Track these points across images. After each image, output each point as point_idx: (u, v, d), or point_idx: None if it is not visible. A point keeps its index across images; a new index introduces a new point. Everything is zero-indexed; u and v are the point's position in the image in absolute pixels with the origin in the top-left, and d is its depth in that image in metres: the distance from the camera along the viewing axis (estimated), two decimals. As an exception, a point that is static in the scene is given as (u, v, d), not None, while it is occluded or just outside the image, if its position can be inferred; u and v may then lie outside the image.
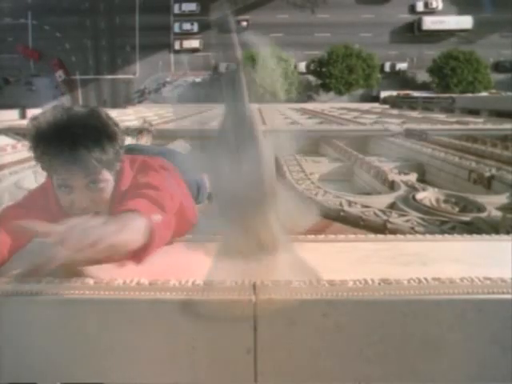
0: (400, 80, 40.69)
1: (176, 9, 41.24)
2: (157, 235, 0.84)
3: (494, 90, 34.16)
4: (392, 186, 4.79)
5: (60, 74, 40.48)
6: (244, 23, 40.97)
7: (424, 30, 40.54)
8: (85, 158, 0.94)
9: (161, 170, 1.15)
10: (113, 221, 0.78)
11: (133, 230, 0.79)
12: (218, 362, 0.74)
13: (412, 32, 40.81)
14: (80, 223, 0.74)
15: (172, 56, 41.80)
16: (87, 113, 0.99)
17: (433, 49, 39.60)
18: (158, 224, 0.85)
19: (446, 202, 4.15)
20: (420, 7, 41.04)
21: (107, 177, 1.02)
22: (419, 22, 40.57)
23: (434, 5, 40.81)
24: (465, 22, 40.25)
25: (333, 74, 38.64)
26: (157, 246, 0.84)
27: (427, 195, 4.26)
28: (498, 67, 40.00)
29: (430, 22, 40.40)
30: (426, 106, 22.84)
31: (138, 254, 0.81)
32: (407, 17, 40.94)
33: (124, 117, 15.54)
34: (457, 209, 3.97)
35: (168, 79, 41.78)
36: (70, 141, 0.93)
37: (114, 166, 1.04)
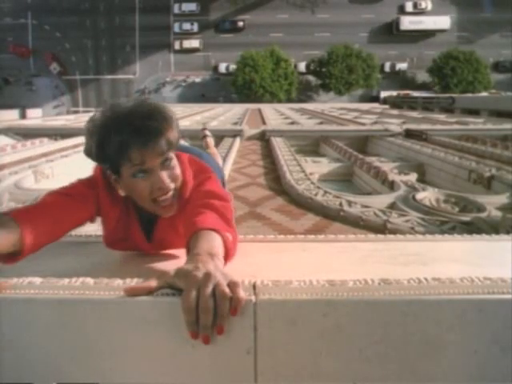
0: (400, 80, 40.73)
1: (176, 9, 41.26)
2: (230, 255, 0.93)
3: (493, 90, 34.17)
4: (392, 186, 4.79)
5: (54, 67, 40.50)
6: (240, 23, 41.02)
7: (402, 30, 40.66)
8: (159, 136, 0.97)
9: (212, 174, 1.19)
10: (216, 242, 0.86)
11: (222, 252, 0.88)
12: (217, 362, 0.74)
13: (391, 32, 40.91)
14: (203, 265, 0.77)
15: (172, 56, 41.81)
16: (145, 101, 1.03)
17: (413, 48, 39.61)
18: (230, 243, 0.92)
19: (446, 201, 4.15)
20: (409, 8, 41.14)
21: (174, 156, 1.05)
22: (397, 23, 40.68)
23: (423, 5, 40.92)
24: (443, 22, 40.49)
25: (333, 74, 38.66)
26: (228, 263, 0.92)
27: (427, 195, 4.27)
28: (498, 67, 40.03)
29: (407, 22, 40.57)
30: (426, 105, 22.86)
31: None
32: (395, 17, 40.93)
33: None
34: (457, 209, 3.97)
35: (168, 79, 41.80)
36: (141, 124, 0.96)
37: (176, 145, 1.06)
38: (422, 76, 40.39)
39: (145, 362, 0.74)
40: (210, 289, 0.71)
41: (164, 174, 1.01)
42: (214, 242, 0.88)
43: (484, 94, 30.16)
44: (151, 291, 0.76)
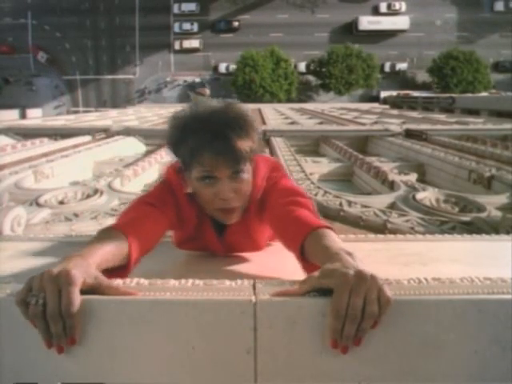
0: (400, 80, 40.71)
1: (175, 9, 41.22)
2: None
3: (493, 90, 34.16)
4: (392, 186, 4.79)
5: (42, 55, 40.40)
6: (236, 23, 41.01)
7: (361, 30, 40.63)
8: (235, 147, 0.95)
9: (285, 172, 1.20)
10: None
11: None
12: (217, 362, 0.74)
13: (351, 32, 40.89)
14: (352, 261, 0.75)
15: (172, 56, 41.80)
16: (229, 105, 1.01)
17: (371, 49, 39.42)
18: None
19: (446, 201, 4.15)
20: (383, 8, 41.12)
21: (249, 167, 1.03)
22: (356, 22, 40.66)
23: (397, 6, 40.89)
24: (401, 22, 40.47)
25: (333, 74, 38.63)
26: None
27: (427, 195, 4.27)
28: (498, 67, 40.01)
29: (366, 22, 40.52)
30: (426, 105, 22.85)
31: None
32: (372, 19, 40.91)
33: (124, 117, 15.55)
34: (457, 209, 3.97)
35: (168, 79, 41.78)
36: (220, 131, 0.94)
37: (253, 158, 1.05)
38: (422, 76, 40.36)
39: (145, 362, 0.74)
40: (361, 295, 0.69)
41: (230, 186, 1.00)
42: (339, 241, 0.87)
43: (484, 94, 30.14)
44: (299, 295, 0.76)
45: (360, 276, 0.71)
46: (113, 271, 0.88)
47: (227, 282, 0.81)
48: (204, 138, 0.95)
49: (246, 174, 1.02)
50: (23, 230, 3.18)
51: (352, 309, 0.69)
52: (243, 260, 1.19)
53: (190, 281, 0.82)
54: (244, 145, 0.97)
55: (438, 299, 0.75)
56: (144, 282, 0.82)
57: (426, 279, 0.81)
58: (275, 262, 1.16)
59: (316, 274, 0.77)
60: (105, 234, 0.92)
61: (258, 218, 1.11)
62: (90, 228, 3.41)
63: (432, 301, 0.75)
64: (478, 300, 0.76)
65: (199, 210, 1.11)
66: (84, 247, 0.85)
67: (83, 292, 0.73)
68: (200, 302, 0.75)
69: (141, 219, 0.99)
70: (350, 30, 41.14)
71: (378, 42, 40.27)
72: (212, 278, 0.83)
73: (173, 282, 0.80)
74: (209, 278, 0.83)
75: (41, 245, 1.39)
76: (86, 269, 0.76)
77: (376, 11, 41.27)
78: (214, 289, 0.79)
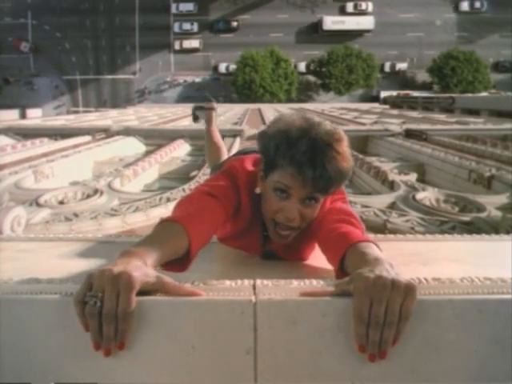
0: (400, 80, 40.71)
1: (173, 9, 41.19)
2: None
3: (493, 90, 34.16)
4: (392, 185, 4.79)
5: (25, 45, 40.38)
6: (235, 23, 41.01)
7: (325, 30, 40.69)
8: (326, 179, 0.94)
9: (345, 195, 1.19)
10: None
11: None
12: (217, 362, 0.74)
13: (316, 32, 40.95)
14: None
15: (172, 56, 41.80)
16: (336, 134, 0.98)
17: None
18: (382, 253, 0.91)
19: (446, 201, 4.15)
20: (350, 8, 41.26)
21: (322, 200, 1.02)
22: (321, 22, 40.71)
23: (364, 6, 41.01)
24: (366, 22, 40.63)
25: (333, 74, 38.64)
26: None
27: (427, 195, 4.27)
28: (498, 67, 40.02)
29: (330, 22, 40.65)
30: (426, 105, 22.86)
31: None
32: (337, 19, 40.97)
33: (124, 117, 15.56)
34: (457, 209, 3.97)
35: (168, 79, 41.78)
36: (322, 158, 0.93)
37: (334, 193, 1.05)
38: (422, 76, 40.37)
39: (145, 362, 0.74)
40: (383, 303, 0.68)
41: (298, 209, 0.99)
42: (376, 251, 0.86)
43: (484, 93, 30.15)
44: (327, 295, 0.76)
45: (380, 281, 0.70)
46: (171, 264, 0.88)
47: (227, 282, 0.81)
48: (305, 156, 0.93)
49: (317, 204, 1.01)
50: (23, 229, 3.18)
51: (374, 316, 0.69)
52: (263, 261, 1.19)
53: (190, 281, 0.82)
54: (336, 180, 0.96)
55: (438, 299, 0.75)
56: (199, 282, 0.82)
57: (426, 279, 0.81)
58: (297, 263, 1.17)
59: (345, 278, 0.77)
60: (164, 228, 0.91)
61: (308, 236, 1.10)
62: (90, 228, 3.41)
63: (432, 301, 0.75)
64: (478, 300, 0.76)
65: (256, 213, 1.10)
66: (143, 241, 0.85)
67: (141, 293, 0.73)
68: (200, 302, 0.75)
69: (201, 211, 0.97)
70: (315, 29, 41.20)
71: (343, 42, 40.21)
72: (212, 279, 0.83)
73: (228, 283, 0.80)
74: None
75: (41, 245, 1.39)
76: (145, 271, 0.75)
77: (343, 11, 41.35)
78: (214, 289, 0.79)
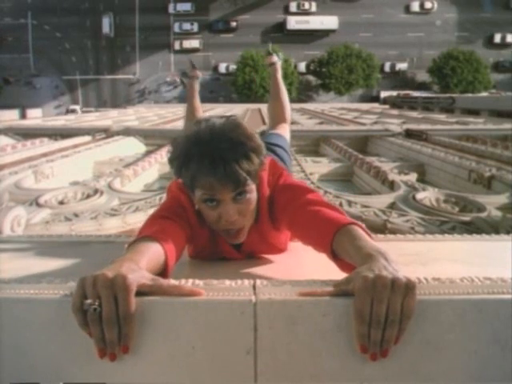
0: (400, 80, 40.70)
1: (171, 9, 41.16)
2: None
3: (493, 90, 34.17)
4: (392, 185, 4.79)
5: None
6: (234, 23, 41.01)
7: (289, 30, 40.50)
8: (235, 171, 0.94)
9: (283, 170, 1.18)
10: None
11: None
12: (217, 362, 0.74)
13: (282, 32, 40.83)
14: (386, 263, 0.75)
15: (172, 56, 41.79)
16: (230, 125, 0.99)
17: (307, 49, 39.44)
18: (369, 233, 0.91)
19: (446, 201, 4.15)
20: (293, 8, 41.15)
21: (252, 187, 1.02)
22: (285, 22, 40.58)
23: (307, 6, 40.93)
24: (330, 22, 40.47)
25: (333, 74, 38.63)
26: None
27: (427, 195, 4.27)
28: (498, 67, 40.01)
29: (294, 22, 40.36)
30: (426, 105, 22.86)
31: None
32: (281, 17, 41.01)
33: (124, 117, 15.55)
34: (457, 209, 3.97)
35: (168, 79, 41.77)
36: (219, 156, 0.94)
37: (255, 178, 1.03)
38: (422, 76, 40.37)
39: (145, 363, 0.74)
40: (384, 301, 0.68)
41: (234, 208, 0.99)
42: (368, 239, 0.86)
43: (484, 94, 30.15)
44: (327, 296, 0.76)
45: (380, 281, 0.70)
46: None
47: (227, 282, 0.81)
48: (203, 163, 0.94)
49: (249, 194, 1.01)
50: (23, 229, 3.18)
51: (375, 315, 0.68)
52: (264, 261, 1.18)
53: (190, 281, 0.82)
54: (245, 169, 0.95)
55: (438, 299, 0.75)
56: (199, 282, 0.82)
57: (426, 279, 0.81)
58: (297, 261, 1.16)
59: (344, 278, 0.77)
60: (138, 243, 0.90)
61: (271, 223, 1.11)
62: (90, 228, 3.41)
63: (432, 301, 0.75)
64: (478, 300, 0.76)
65: (211, 228, 1.10)
66: (128, 253, 0.84)
67: (139, 294, 0.73)
68: (200, 301, 0.75)
69: (165, 229, 0.98)
70: (281, 29, 41.05)
71: (308, 42, 40.25)
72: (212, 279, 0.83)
73: (172, 282, 0.80)
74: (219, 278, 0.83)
75: (41, 245, 1.39)
76: (140, 273, 0.75)
77: (286, 11, 41.28)
78: (214, 289, 0.79)
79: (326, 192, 4.26)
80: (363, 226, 0.92)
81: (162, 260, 0.89)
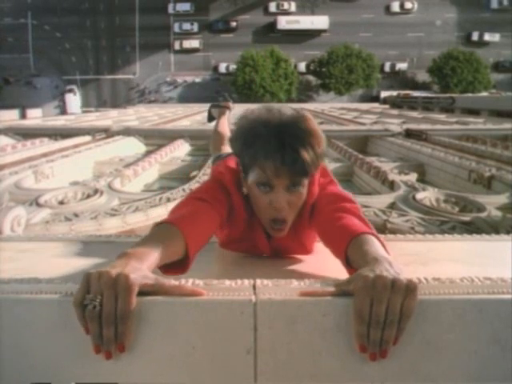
0: (400, 80, 40.68)
1: (170, 9, 41.13)
2: None
3: (494, 90, 34.15)
4: (392, 185, 4.79)
5: None
6: (234, 23, 41.00)
7: (279, 30, 40.32)
8: (302, 160, 0.94)
9: (333, 177, 1.19)
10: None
11: None
12: (217, 362, 0.74)
13: (273, 31, 40.67)
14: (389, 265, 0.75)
15: (172, 56, 41.78)
16: (300, 115, 0.99)
17: (298, 48, 39.25)
18: (385, 245, 0.90)
19: (445, 201, 4.15)
20: (272, 8, 40.98)
21: (306, 182, 1.02)
22: (275, 22, 40.39)
23: (286, 6, 40.77)
24: (321, 22, 40.32)
25: (333, 74, 38.61)
26: None
27: (427, 195, 4.27)
28: (498, 67, 40.00)
29: (284, 22, 40.16)
30: (426, 105, 22.85)
31: None
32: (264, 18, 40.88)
33: (124, 117, 15.55)
34: (457, 209, 3.97)
35: (168, 79, 41.77)
36: (288, 142, 0.94)
37: (315, 171, 1.04)
38: (422, 76, 40.34)
39: (145, 362, 0.74)
40: (383, 302, 0.68)
41: (285, 197, 0.99)
42: (380, 247, 0.86)
43: (484, 94, 30.14)
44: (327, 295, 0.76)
45: (380, 281, 0.70)
46: (169, 267, 0.87)
47: (227, 282, 0.81)
48: (271, 145, 0.94)
49: (302, 188, 1.01)
50: (23, 229, 3.18)
51: (375, 315, 0.69)
52: (292, 262, 1.18)
53: (190, 281, 0.82)
54: (310, 159, 0.96)
55: (438, 299, 0.75)
56: (200, 282, 0.82)
57: (426, 279, 0.81)
58: (322, 265, 1.16)
59: (346, 278, 0.77)
60: (159, 230, 0.90)
61: (308, 224, 1.11)
62: (90, 228, 3.41)
63: (432, 301, 0.75)
64: (478, 300, 0.76)
65: (250, 213, 1.10)
66: (139, 243, 0.84)
67: (140, 294, 0.73)
68: (200, 301, 0.75)
69: (194, 214, 0.97)
70: (272, 29, 40.84)
71: (299, 43, 40.04)
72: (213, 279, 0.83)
73: (172, 282, 0.80)
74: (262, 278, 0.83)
75: (41, 245, 1.39)
76: (143, 272, 0.75)
77: (266, 11, 41.08)
78: (214, 288, 0.79)
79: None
80: (381, 237, 0.92)
81: (181, 249, 0.89)
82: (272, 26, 40.76)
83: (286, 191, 0.99)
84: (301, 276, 0.89)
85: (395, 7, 40.28)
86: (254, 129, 0.97)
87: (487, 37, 39.37)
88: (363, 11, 40.03)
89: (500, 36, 39.23)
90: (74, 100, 38.99)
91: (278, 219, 1.03)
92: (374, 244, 0.87)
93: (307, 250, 1.22)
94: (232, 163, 1.17)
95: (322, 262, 1.13)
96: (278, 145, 0.93)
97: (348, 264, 0.90)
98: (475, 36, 39.53)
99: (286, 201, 0.99)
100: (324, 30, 40.51)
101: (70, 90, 35.41)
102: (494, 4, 39.54)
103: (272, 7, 40.94)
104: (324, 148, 1.00)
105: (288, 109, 1.01)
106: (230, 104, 2.55)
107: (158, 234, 0.89)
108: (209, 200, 1.03)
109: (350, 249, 0.89)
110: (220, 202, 1.05)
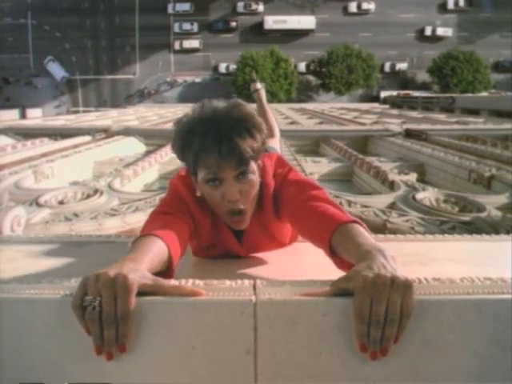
0: (400, 80, 40.68)
1: (170, 9, 41.13)
2: None
3: (493, 90, 34.16)
4: (392, 185, 4.79)
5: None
6: (233, 23, 41.00)
7: (266, 30, 40.31)
8: (239, 147, 0.95)
9: (291, 165, 1.18)
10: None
11: None
12: (217, 362, 0.74)
13: (261, 31, 40.62)
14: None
15: (172, 56, 41.78)
16: (232, 104, 1.00)
17: (284, 48, 38.94)
18: (369, 232, 0.91)
19: (445, 201, 4.15)
20: (240, 8, 41.03)
21: (254, 168, 1.02)
22: (262, 22, 40.32)
23: (254, 7, 40.78)
24: (308, 22, 40.41)
25: (333, 73, 38.61)
26: None
27: (427, 195, 4.27)
28: (498, 67, 40.01)
29: (271, 22, 40.17)
30: (426, 105, 22.86)
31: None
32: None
33: (124, 117, 15.55)
34: (457, 209, 3.97)
35: (168, 79, 41.76)
36: (223, 132, 0.95)
37: (260, 157, 1.04)
38: (422, 76, 40.35)
39: (145, 363, 0.74)
40: (383, 301, 0.68)
41: (236, 187, 0.99)
42: (368, 236, 0.86)
43: (484, 93, 30.13)
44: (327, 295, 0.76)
45: (380, 280, 0.70)
46: (157, 275, 0.87)
47: (227, 282, 0.81)
48: (207, 140, 0.95)
49: (252, 175, 1.01)
50: (23, 229, 3.18)
51: (375, 314, 0.68)
52: (292, 262, 1.18)
53: (190, 281, 0.82)
54: (248, 145, 0.96)
55: (438, 299, 0.75)
56: (199, 282, 0.82)
57: (426, 279, 0.81)
58: (297, 261, 1.16)
59: (343, 276, 0.77)
60: (142, 242, 0.90)
61: (275, 215, 1.11)
62: (90, 228, 3.41)
63: (432, 301, 0.75)
64: (478, 300, 0.76)
65: (213, 216, 1.10)
66: (129, 253, 0.84)
67: (140, 294, 0.73)
68: (200, 301, 0.75)
69: (169, 225, 0.97)
70: (260, 29, 40.82)
71: (286, 42, 39.97)
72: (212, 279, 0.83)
73: (172, 282, 0.80)
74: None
75: (41, 245, 1.39)
76: (141, 273, 0.75)
77: (234, 11, 41.05)
78: (214, 289, 0.79)
79: (325, 192, 4.26)
80: (364, 224, 0.92)
81: (165, 257, 0.89)
82: (260, 26, 40.75)
83: (235, 181, 0.99)
84: (300, 276, 0.89)
85: (353, 7, 40.51)
86: (189, 129, 0.99)
87: (440, 31, 40.19)
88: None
89: (452, 31, 39.69)
90: (55, 66, 40.24)
91: (235, 210, 1.03)
92: (362, 233, 0.87)
93: (281, 243, 1.22)
94: (183, 172, 1.17)
95: (322, 262, 1.13)
96: (214, 138, 0.94)
97: (333, 254, 0.90)
98: (428, 31, 40.22)
99: (237, 191, 1.00)
100: (311, 30, 40.62)
101: (50, 60, 37.29)
102: (451, 5, 40.35)
103: (240, 7, 40.97)
104: (263, 130, 1.01)
105: (221, 102, 1.02)
106: (258, 84, 2.44)
107: (143, 245, 0.88)
108: (174, 212, 1.04)
109: (334, 238, 0.89)
110: (183, 213, 1.06)
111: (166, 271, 0.89)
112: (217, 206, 1.04)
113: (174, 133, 1.04)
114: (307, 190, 1.05)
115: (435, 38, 40.24)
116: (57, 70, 40.11)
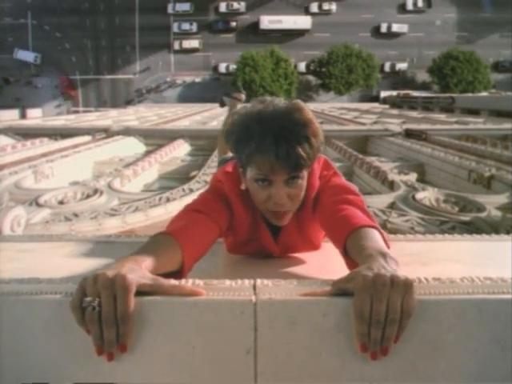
0: (400, 80, 40.68)
1: (170, 9, 41.11)
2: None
3: (493, 90, 34.14)
4: (392, 185, 4.79)
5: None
6: (233, 23, 41.00)
7: (262, 30, 40.35)
8: (297, 153, 0.93)
9: (336, 169, 1.18)
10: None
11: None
12: (217, 362, 0.74)
13: (256, 31, 40.66)
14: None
15: (172, 56, 41.77)
16: (293, 107, 0.98)
17: (280, 49, 38.95)
18: (387, 239, 0.91)
19: (445, 201, 4.15)
20: (222, 8, 41.07)
21: (305, 174, 1.01)
22: (258, 22, 40.36)
23: (235, 6, 40.83)
24: (303, 22, 40.52)
25: (333, 73, 38.61)
26: None
27: (427, 195, 4.27)
28: (498, 67, 40.00)
29: (267, 22, 40.24)
30: (426, 105, 22.86)
31: None
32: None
33: (124, 117, 15.55)
34: (457, 209, 3.97)
35: (168, 79, 41.75)
36: (282, 136, 0.93)
37: (312, 163, 1.02)
38: (422, 76, 40.35)
39: (145, 363, 0.74)
40: (383, 300, 0.68)
41: (284, 191, 0.98)
42: (379, 240, 0.86)
43: (484, 93, 30.13)
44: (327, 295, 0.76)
45: (379, 279, 0.70)
46: (165, 277, 0.86)
47: (227, 282, 0.81)
48: (265, 141, 0.93)
49: (302, 180, 1.01)
50: (23, 229, 3.18)
51: (375, 314, 0.69)
52: (298, 261, 1.18)
53: (190, 281, 0.82)
54: (305, 152, 0.95)
55: (438, 299, 0.75)
56: (200, 282, 0.82)
57: (426, 279, 0.81)
58: (328, 263, 1.16)
59: (344, 276, 0.77)
60: (156, 240, 0.90)
61: (312, 217, 1.11)
62: (90, 228, 3.41)
63: (432, 301, 0.75)
64: (478, 300, 0.76)
65: (253, 212, 1.10)
66: (135, 252, 0.83)
67: (139, 294, 0.73)
68: (200, 301, 0.75)
69: (192, 225, 0.97)
70: (256, 29, 40.82)
71: (281, 42, 39.94)
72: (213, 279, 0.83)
73: (172, 282, 0.80)
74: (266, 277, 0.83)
75: (41, 245, 1.39)
76: (141, 273, 0.75)
77: (216, 11, 41.14)
78: (214, 288, 0.79)
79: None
80: (382, 230, 0.92)
81: (177, 258, 0.89)
82: (256, 26, 40.71)
83: (285, 185, 0.98)
84: (301, 276, 0.89)
85: (314, 8, 40.67)
86: (247, 125, 0.97)
87: (395, 28, 40.53)
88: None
89: (408, 27, 39.95)
90: (24, 53, 40.34)
91: (280, 212, 1.03)
92: (374, 237, 0.87)
93: (314, 246, 1.21)
94: (230, 168, 1.17)
95: (324, 262, 1.13)
96: (272, 140, 0.93)
97: (347, 255, 0.91)
98: (384, 28, 40.60)
99: (285, 194, 0.99)
100: (307, 30, 40.61)
101: (17, 51, 38.53)
102: (410, 6, 40.74)
103: (222, 7, 40.95)
104: (321, 137, 1.00)
105: (281, 100, 1.01)
106: (243, 95, 2.45)
107: (155, 244, 0.89)
108: (206, 211, 1.03)
109: (349, 240, 0.90)
110: (218, 213, 1.05)
111: (176, 273, 0.89)
112: (261, 204, 1.03)
113: (231, 124, 1.02)
114: (343, 194, 1.05)
115: (391, 35, 40.72)
116: (26, 55, 40.07)
